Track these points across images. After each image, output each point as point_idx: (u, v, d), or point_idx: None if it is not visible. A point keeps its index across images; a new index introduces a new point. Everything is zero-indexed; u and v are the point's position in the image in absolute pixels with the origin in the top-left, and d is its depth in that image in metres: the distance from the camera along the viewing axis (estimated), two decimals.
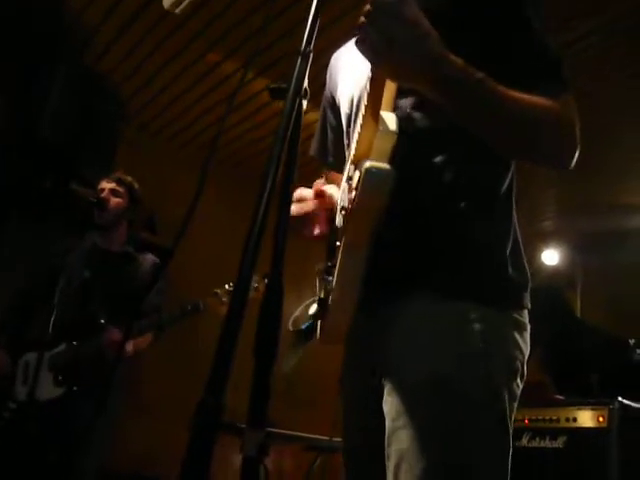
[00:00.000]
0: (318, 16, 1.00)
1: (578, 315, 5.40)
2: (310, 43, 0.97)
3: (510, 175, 1.29)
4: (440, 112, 1.15)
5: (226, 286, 3.33)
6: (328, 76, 1.60)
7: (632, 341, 3.83)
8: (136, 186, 3.44)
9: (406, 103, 1.24)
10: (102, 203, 3.24)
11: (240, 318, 0.80)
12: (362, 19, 1.01)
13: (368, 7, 1.01)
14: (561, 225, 6.08)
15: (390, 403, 1.18)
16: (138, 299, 3.17)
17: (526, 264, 1.28)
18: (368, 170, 1.06)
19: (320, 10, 1.00)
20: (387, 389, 1.19)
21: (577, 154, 1.18)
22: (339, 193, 1.30)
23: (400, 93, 1.18)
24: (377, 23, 1.00)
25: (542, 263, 6.09)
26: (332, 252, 1.24)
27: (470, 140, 1.18)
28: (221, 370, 0.75)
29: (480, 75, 1.07)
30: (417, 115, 1.24)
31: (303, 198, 1.34)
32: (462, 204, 1.22)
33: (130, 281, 3.27)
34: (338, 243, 1.18)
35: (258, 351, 0.83)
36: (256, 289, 2.93)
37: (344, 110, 1.45)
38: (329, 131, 1.57)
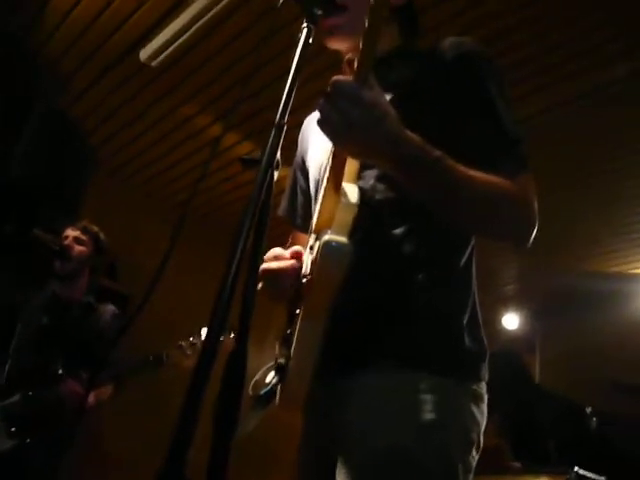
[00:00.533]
0: (294, 90, 1.03)
1: (536, 380, 5.44)
2: (284, 116, 1.00)
3: (470, 246, 1.32)
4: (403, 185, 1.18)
5: (190, 339, 3.28)
6: (300, 139, 1.64)
7: (589, 409, 3.86)
8: (102, 236, 3.41)
9: (371, 174, 1.27)
10: (64, 251, 3.19)
11: (205, 384, 0.80)
12: (322, 100, 1.04)
13: (328, 89, 1.03)
14: (521, 290, 6.18)
15: (344, 474, 1.17)
16: (99, 350, 3.11)
17: (484, 335, 1.29)
18: (327, 244, 1.08)
19: (295, 85, 1.03)
20: (342, 459, 1.19)
21: (534, 232, 1.20)
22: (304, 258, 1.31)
23: (365, 164, 1.21)
24: (337, 105, 1.02)
25: (502, 327, 6.17)
26: (292, 318, 1.24)
27: (431, 213, 1.20)
28: (183, 439, 0.74)
29: (437, 154, 1.09)
30: (380, 187, 1.27)
31: (280, 256, 1.33)
32: (420, 275, 1.24)
33: (89, 332, 3.21)
34: (298, 311, 1.19)
35: (219, 418, 0.83)
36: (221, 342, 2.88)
37: (313, 175, 1.48)
38: (299, 193, 1.59)
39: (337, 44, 1.41)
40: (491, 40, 3.20)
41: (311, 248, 1.21)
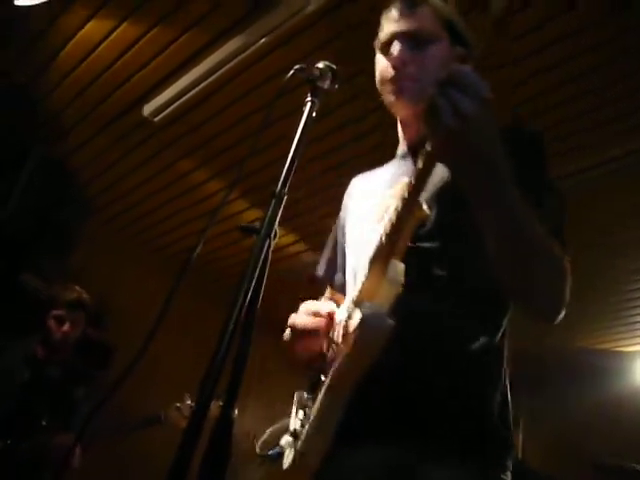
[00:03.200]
0: (295, 162, 1.05)
1: (519, 456, 5.36)
2: (285, 186, 1.02)
3: (504, 325, 1.30)
4: (453, 267, 1.20)
5: (187, 402, 3.26)
6: (344, 200, 1.66)
7: None
8: (89, 301, 3.38)
9: (423, 251, 1.25)
10: (64, 341, 3.20)
11: (193, 449, 0.80)
12: (435, 89, 0.93)
13: (443, 76, 0.94)
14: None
15: None
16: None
17: (511, 417, 1.26)
18: (368, 318, 1.06)
19: (297, 156, 1.06)
20: None
21: (563, 311, 1.18)
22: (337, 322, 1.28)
23: (418, 240, 1.21)
24: (453, 94, 0.92)
25: None
26: (315, 384, 1.22)
27: (474, 294, 1.22)
28: None
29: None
30: (431, 261, 1.26)
31: (317, 313, 1.30)
32: (456, 354, 1.22)
33: (63, 398, 3.18)
34: (323, 378, 1.17)
35: None
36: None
37: (350, 239, 1.50)
38: (339, 255, 1.60)
39: (400, 108, 1.44)
40: None
41: (349, 317, 1.18)
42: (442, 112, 0.91)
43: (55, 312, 3.25)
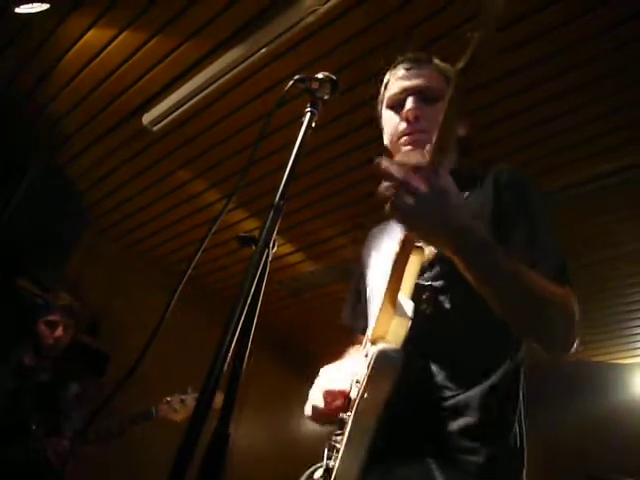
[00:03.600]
0: (294, 172, 1.05)
1: None
2: (284, 197, 1.02)
3: (521, 352, 1.38)
4: (462, 297, 1.26)
5: (178, 395, 3.27)
6: (364, 250, 1.74)
7: None
8: (79, 307, 3.40)
9: (434, 285, 1.33)
10: (55, 346, 3.21)
11: (195, 444, 0.80)
12: (400, 189, 1.04)
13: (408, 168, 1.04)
14: None
15: None
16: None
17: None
18: (379, 354, 1.16)
19: (296, 167, 1.06)
20: None
21: (573, 348, 1.25)
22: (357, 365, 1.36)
23: (429, 274, 1.31)
24: (409, 186, 1.03)
25: None
26: (342, 424, 1.30)
27: (487, 325, 1.26)
28: None
29: (499, 246, 1.15)
30: (442, 298, 1.32)
31: (333, 393, 1.39)
32: (475, 385, 1.28)
33: (54, 401, 3.17)
34: (348, 414, 1.24)
35: None
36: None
37: (369, 289, 1.59)
38: (362, 300, 1.67)
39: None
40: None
41: (366, 355, 1.27)
42: (404, 204, 1.03)
43: (50, 317, 3.26)
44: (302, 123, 1.16)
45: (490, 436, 1.24)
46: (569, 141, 3.38)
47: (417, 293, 1.29)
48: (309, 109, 1.18)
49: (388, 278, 1.24)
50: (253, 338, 0.92)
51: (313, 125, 1.15)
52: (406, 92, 1.53)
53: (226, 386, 0.89)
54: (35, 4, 3.17)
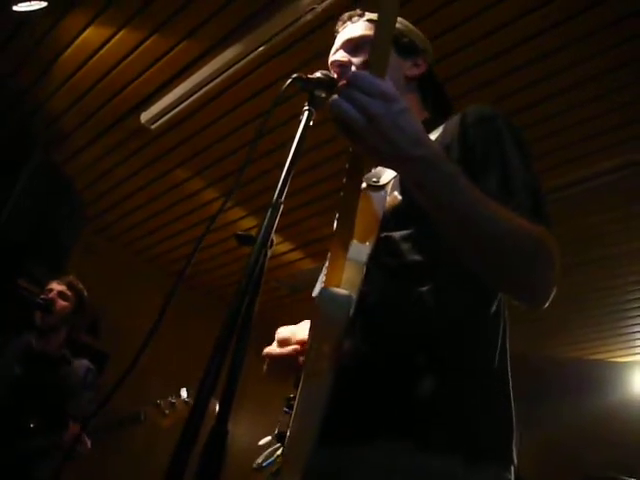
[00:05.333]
0: (292, 171, 1.05)
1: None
2: (282, 195, 1.01)
3: (497, 300, 1.23)
4: (429, 244, 1.17)
5: (169, 398, 3.24)
6: None
7: None
8: (85, 294, 3.38)
9: (396, 235, 1.23)
10: (48, 305, 3.17)
11: (191, 447, 0.79)
12: (336, 96, 0.94)
13: (343, 82, 0.95)
14: None
15: None
16: (70, 407, 3.05)
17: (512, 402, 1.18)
18: (320, 294, 1.06)
19: (294, 166, 1.05)
20: None
21: (552, 294, 1.10)
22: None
23: (392, 226, 1.21)
24: (354, 98, 0.92)
25: None
26: (297, 382, 1.17)
27: (455, 277, 1.16)
28: None
29: (458, 167, 1.02)
30: (405, 247, 1.22)
31: (285, 341, 1.31)
32: (441, 335, 1.16)
33: (61, 387, 3.15)
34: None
35: None
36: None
37: None
38: None
39: None
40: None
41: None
42: (348, 115, 0.92)
43: (55, 285, 3.28)
44: (300, 122, 1.16)
45: (468, 398, 1.11)
46: (566, 140, 3.38)
47: (382, 244, 1.20)
48: (307, 107, 1.17)
49: (337, 218, 1.13)
50: (251, 337, 0.91)
51: (311, 124, 1.15)
52: (337, 51, 1.50)
53: (224, 383, 0.89)
54: (33, 2, 3.17)
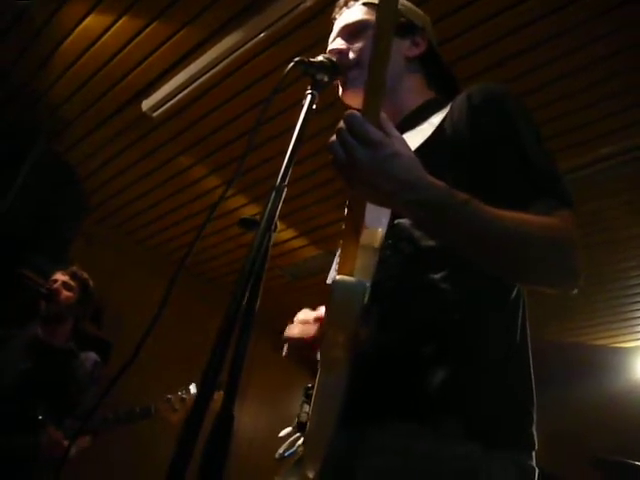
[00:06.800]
0: (295, 155, 1.05)
1: None
2: (285, 179, 1.01)
3: (516, 289, 1.22)
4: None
5: (179, 393, 3.24)
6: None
7: None
8: (90, 283, 3.37)
9: (407, 222, 1.20)
10: (52, 295, 3.17)
11: (195, 439, 0.79)
12: (333, 137, 0.97)
13: (340, 124, 0.97)
14: None
15: None
16: (78, 399, 3.05)
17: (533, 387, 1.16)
18: (334, 284, 1.05)
19: (297, 150, 1.05)
20: None
21: (580, 276, 1.11)
22: None
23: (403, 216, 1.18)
24: (344, 141, 0.95)
25: None
26: (315, 373, 1.18)
27: (470, 264, 1.12)
28: None
29: (464, 196, 1.00)
30: (418, 234, 1.19)
31: (305, 321, 1.31)
32: (458, 321, 1.14)
33: (70, 379, 3.14)
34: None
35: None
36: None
37: None
38: None
39: (350, 98, 1.42)
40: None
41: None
42: (337, 158, 0.96)
43: (59, 275, 3.27)
44: (302, 107, 1.15)
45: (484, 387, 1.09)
46: (570, 124, 3.36)
47: (395, 231, 1.19)
48: (309, 91, 1.16)
49: (348, 204, 1.12)
50: (254, 324, 0.91)
51: (314, 107, 1.14)
52: (335, 38, 1.47)
53: (229, 370, 0.89)
54: None
